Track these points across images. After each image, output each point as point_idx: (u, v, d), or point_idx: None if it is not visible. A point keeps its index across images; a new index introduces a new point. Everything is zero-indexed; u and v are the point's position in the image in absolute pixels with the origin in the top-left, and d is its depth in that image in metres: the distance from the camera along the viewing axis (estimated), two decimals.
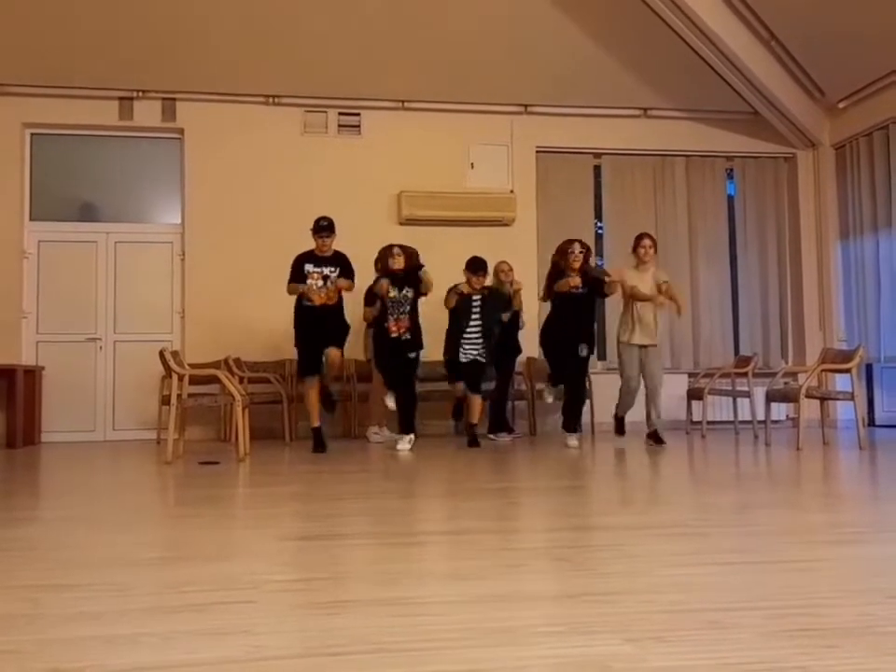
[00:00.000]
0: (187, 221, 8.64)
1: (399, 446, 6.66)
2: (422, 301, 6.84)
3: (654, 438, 6.78)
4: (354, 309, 7.11)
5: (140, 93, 8.52)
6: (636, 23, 8.28)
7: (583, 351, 6.75)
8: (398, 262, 6.69)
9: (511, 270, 7.79)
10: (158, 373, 7.57)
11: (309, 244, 6.76)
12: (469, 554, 2.59)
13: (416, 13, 8.09)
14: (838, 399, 7.70)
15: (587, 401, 7.88)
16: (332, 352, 6.66)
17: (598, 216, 9.50)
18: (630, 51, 8.66)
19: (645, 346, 6.79)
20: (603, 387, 8.40)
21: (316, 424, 6.73)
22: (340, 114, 8.91)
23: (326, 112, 8.89)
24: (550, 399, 7.13)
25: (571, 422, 6.84)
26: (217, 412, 8.29)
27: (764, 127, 9.37)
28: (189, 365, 7.00)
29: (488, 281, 7.58)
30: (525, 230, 9.06)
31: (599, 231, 9.54)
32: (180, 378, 6.07)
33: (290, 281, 6.72)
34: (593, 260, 7.32)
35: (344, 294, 6.76)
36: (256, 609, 1.97)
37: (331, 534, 3.01)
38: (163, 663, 1.60)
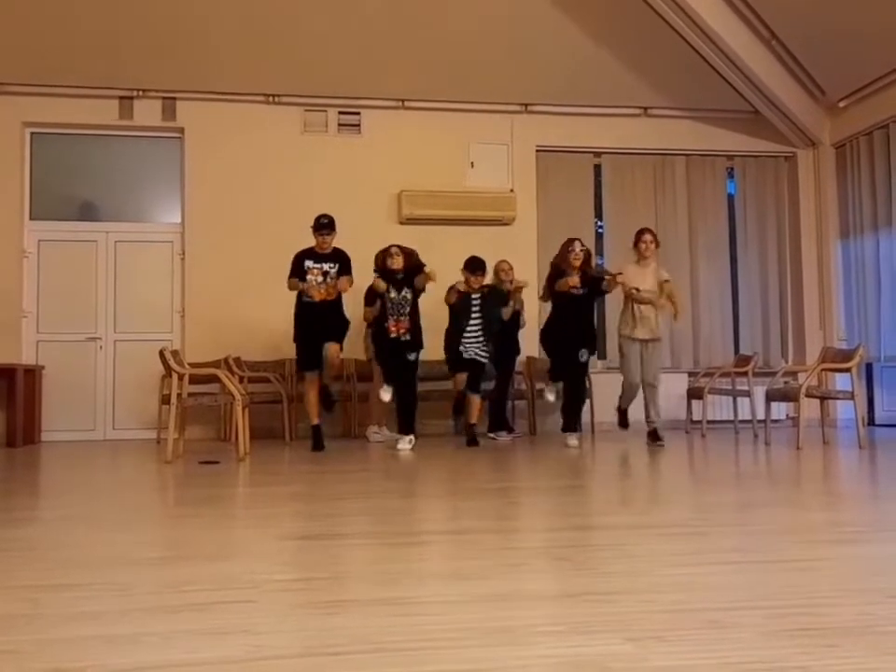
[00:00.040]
0: (187, 220, 8.64)
1: (399, 446, 6.65)
2: (422, 298, 6.84)
3: (653, 436, 6.78)
4: (354, 309, 7.10)
5: (140, 93, 8.52)
6: (636, 22, 8.27)
7: (584, 356, 6.74)
8: (396, 262, 6.70)
9: (511, 269, 7.79)
10: (158, 373, 7.57)
11: (309, 242, 6.76)
12: (470, 554, 2.59)
13: (416, 12, 8.08)
14: (838, 399, 7.69)
15: (587, 401, 7.89)
16: (331, 347, 6.66)
17: (598, 215, 9.50)
18: (630, 50, 8.66)
19: (647, 341, 6.78)
20: (603, 387, 8.39)
21: (316, 421, 6.76)
22: (340, 113, 8.90)
23: (326, 111, 8.89)
24: (551, 398, 7.10)
25: (571, 422, 6.84)
26: (217, 411, 8.28)
27: (765, 126, 9.36)
28: (189, 364, 7.00)
29: (488, 280, 7.59)
30: (526, 229, 9.06)
31: (599, 231, 9.54)
32: (180, 377, 6.07)
33: (291, 276, 6.73)
34: (593, 260, 7.31)
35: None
36: (256, 609, 1.97)
37: (331, 534, 3.01)
38: (164, 662, 1.60)
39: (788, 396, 7.18)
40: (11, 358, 8.04)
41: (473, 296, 7.14)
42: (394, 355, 6.75)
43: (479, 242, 8.39)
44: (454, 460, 5.88)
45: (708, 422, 8.10)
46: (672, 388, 8.73)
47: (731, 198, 9.77)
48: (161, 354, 6.13)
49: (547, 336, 6.97)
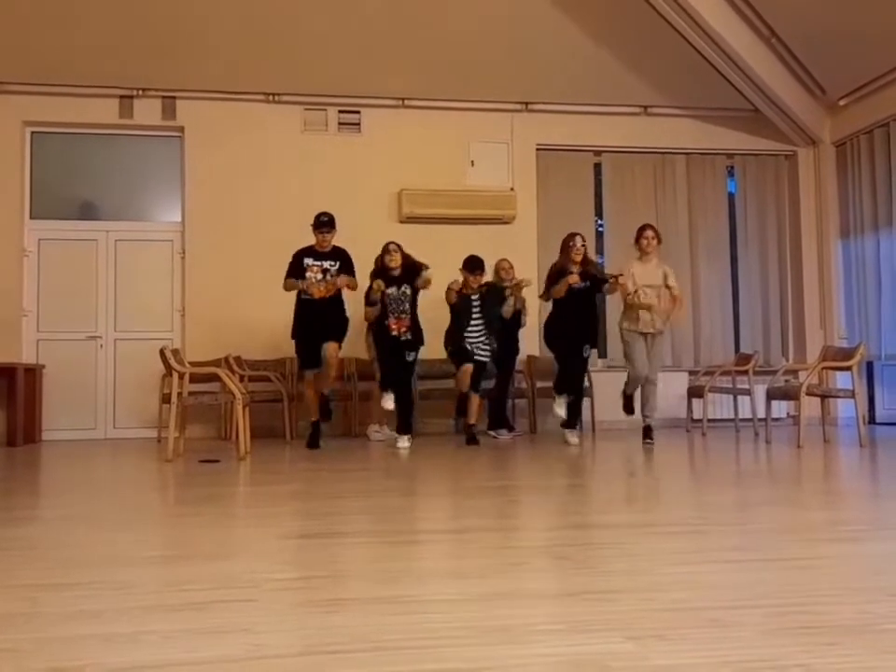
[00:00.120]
0: (187, 219, 8.64)
1: (399, 444, 6.67)
2: (422, 296, 6.85)
3: (645, 433, 6.77)
4: (355, 308, 7.08)
5: (140, 92, 8.51)
6: (636, 21, 8.27)
7: (587, 352, 6.77)
8: (395, 259, 6.70)
9: (511, 267, 7.78)
10: (158, 372, 7.57)
11: (309, 241, 6.76)
12: (470, 553, 2.59)
13: (416, 11, 8.08)
14: (839, 397, 7.69)
15: (587, 399, 7.89)
16: (330, 346, 6.66)
17: (599, 213, 9.50)
18: (630, 49, 8.65)
19: (650, 334, 6.78)
20: (604, 386, 8.38)
21: (315, 418, 6.79)
22: (340, 112, 8.90)
23: (326, 110, 8.88)
24: (561, 413, 6.87)
25: (571, 419, 6.83)
26: (217, 410, 8.28)
27: (765, 125, 9.36)
28: (190, 363, 6.99)
29: (489, 277, 7.59)
30: (526, 227, 9.05)
31: (600, 229, 9.53)
32: (181, 376, 6.07)
33: (287, 275, 6.73)
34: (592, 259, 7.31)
35: (345, 290, 6.76)
36: (256, 608, 1.96)
37: (331, 532, 3.00)
38: (163, 661, 1.60)
39: (788, 394, 7.18)
40: (12, 357, 8.04)
41: (473, 296, 7.15)
42: (394, 353, 6.75)
43: (479, 240, 8.39)
44: (454, 459, 5.88)
45: (709, 420, 8.10)
46: (672, 387, 8.73)
47: (731, 197, 9.77)
48: (162, 353, 6.13)
49: (549, 332, 6.95)
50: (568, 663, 1.56)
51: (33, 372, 8.02)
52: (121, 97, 8.52)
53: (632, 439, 7.20)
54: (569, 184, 9.31)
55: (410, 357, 6.77)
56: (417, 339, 6.80)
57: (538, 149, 9.20)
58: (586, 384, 7.47)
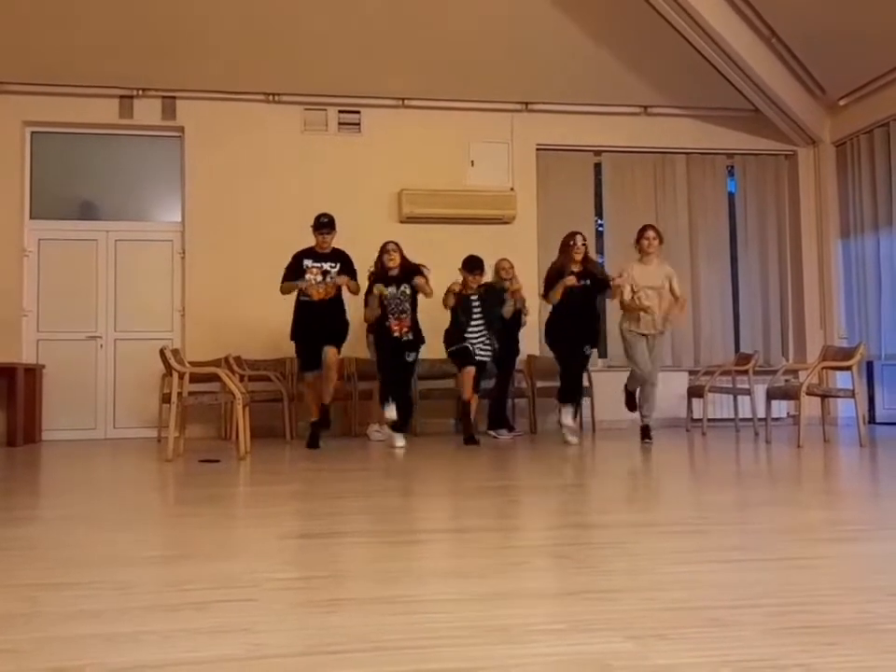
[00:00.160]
0: (187, 219, 8.64)
1: (396, 443, 6.60)
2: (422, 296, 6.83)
3: (644, 432, 6.76)
4: (356, 307, 7.08)
5: (140, 92, 8.51)
6: (636, 21, 8.27)
7: (587, 351, 6.74)
8: (393, 259, 6.64)
9: (511, 267, 7.78)
10: (158, 371, 7.57)
11: (309, 241, 6.76)
12: (470, 552, 2.59)
13: (416, 11, 8.07)
14: (839, 397, 7.69)
15: (587, 399, 7.89)
16: (330, 351, 6.63)
17: (599, 213, 9.50)
18: (630, 49, 8.65)
19: (651, 335, 6.77)
20: (603, 386, 8.39)
21: (315, 418, 6.77)
22: (340, 112, 8.90)
23: (326, 110, 8.88)
24: (569, 423, 6.78)
25: (567, 395, 6.72)
26: (217, 410, 8.28)
27: (765, 124, 9.36)
28: (190, 363, 7.00)
29: (489, 277, 7.59)
30: (526, 227, 9.05)
31: (600, 229, 9.53)
32: (181, 376, 6.07)
33: (284, 278, 6.70)
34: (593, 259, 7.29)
35: (345, 292, 6.75)
36: (256, 608, 1.96)
37: (332, 532, 3.00)
38: (164, 661, 1.60)
39: (788, 394, 7.18)
40: (12, 357, 8.04)
41: (472, 296, 7.13)
42: (396, 355, 6.69)
43: (479, 240, 8.39)
44: (454, 459, 5.88)
45: (709, 420, 8.10)
46: (672, 387, 8.73)
47: (731, 196, 9.77)
48: (162, 352, 6.13)
49: (550, 334, 6.90)
50: (569, 662, 1.56)
51: (33, 372, 8.02)
52: (121, 97, 8.52)
53: (632, 438, 7.19)
54: (569, 184, 9.31)
55: (410, 358, 6.73)
56: (418, 339, 6.76)
57: (538, 149, 9.20)
58: (586, 383, 7.47)
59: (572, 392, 6.81)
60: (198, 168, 8.61)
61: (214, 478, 4.82)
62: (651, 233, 6.82)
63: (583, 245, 6.67)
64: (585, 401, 7.79)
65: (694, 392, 8.35)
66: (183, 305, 8.59)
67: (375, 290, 6.56)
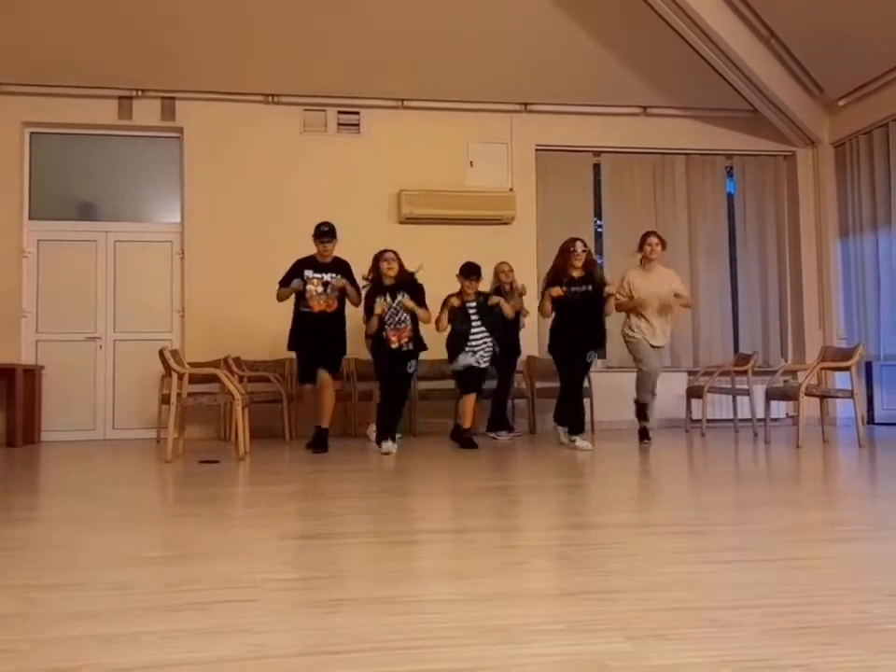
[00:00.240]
0: (186, 220, 8.64)
1: (384, 448, 6.29)
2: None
3: (642, 433, 6.75)
4: (355, 312, 7.01)
5: (139, 92, 8.51)
6: (635, 21, 8.27)
7: (590, 357, 6.60)
8: (393, 268, 6.45)
9: (511, 270, 7.77)
10: (158, 372, 7.57)
11: (308, 243, 6.74)
12: (469, 553, 2.59)
13: (416, 11, 8.07)
14: (838, 397, 7.69)
15: (586, 399, 7.88)
16: (325, 376, 6.57)
17: (598, 214, 9.50)
18: (630, 49, 8.65)
19: (654, 347, 6.77)
20: (603, 387, 8.40)
21: (325, 425, 6.60)
22: (339, 112, 8.90)
23: (325, 111, 8.88)
24: (566, 441, 6.60)
25: (577, 425, 6.55)
26: (216, 411, 8.28)
27: (764, 125, 9.36)
28: (189, 364, 7.00)
29: (488, 280, 7.57)
30: (525, 228, 9.05)
31: (599, 230, 9.53)
32: (180, 377, 6.07)
33: (281, 284, 6.63)
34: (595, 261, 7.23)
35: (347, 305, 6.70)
36: (256, 608, 1.97)
37: (331, 532, 3.01)
38: (163, 661, 1.60)
39: (787, 394, 7.18)
40: (11, 358, 8.04)
41: (468, 304, 7.04)
42: (395, 366, 6.47)
43: (478, 241, 8.40)
44: (453, 459, 5.88)
45: (708, 421, 8.11)
46: (672, 387, 8.73)
47: (730, 197, 9.78)
48: (161, 353, 6.12)
49: (552, 341, 6.65)
50: (568, 663, 1.56)
51: (32, 373, 8.02)
52: (120, 98, 8.52)
53: (631, 439, 7.19)
54: (569, 184, 9.32)
55: (410, 369, 6.57)
56: (418, 347, 6.57)
57: (537, 150, 9.21)
58: (585, 384, 7.44)
59: (578, 418, 6.58)
60: (197, 169, 8.61)
61: (213, 478, 4.82)
62: (653, 239, 6.79)
63: (584, 251, 6.50)
64: (585, 401, 7.77)
65: (693, 392, 8.36)
66: (182, 306, 8.59)
67: (377, 309, 6.34)
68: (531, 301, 8.02)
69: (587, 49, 8.55)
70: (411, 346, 6.47)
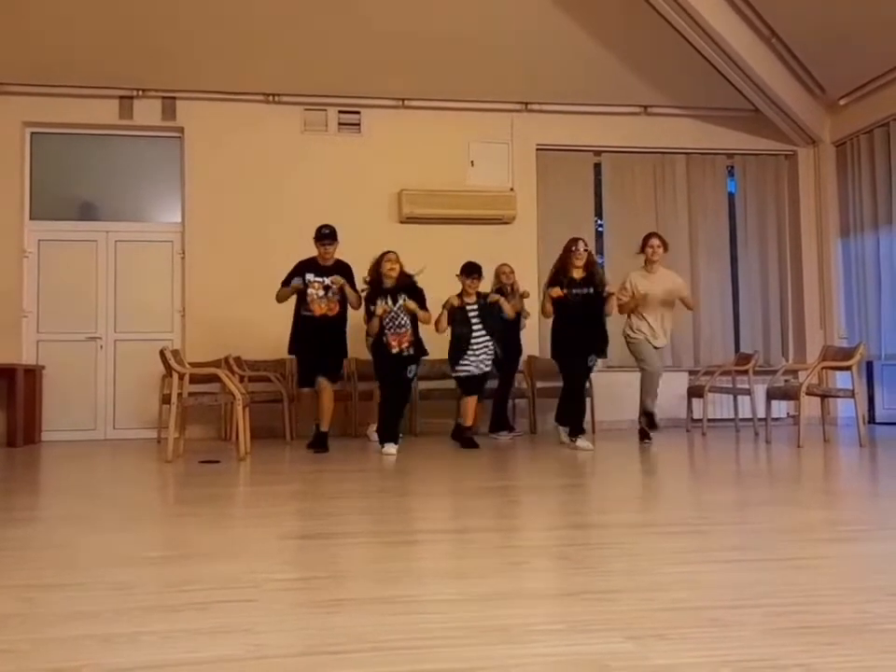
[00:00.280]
0: (187, 220, 8.64)
1: (385, 450, 6.25)
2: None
3: (643, 432, 6.74)
4: (356, 312, 6.99)
5: (140, 92, 8.51)
6: (636, 21, 8.27)
7: (592, 361, 6.58)
8: (395, 269, 6.42)
9: (512, 272, 7.77)
10: (158, 372, 7.57)
11: (309, 243, 6.74)
12: (469, 553, 2.59)
13: (416, 11, 8.07)
14: (839, 397, 7.69)
15: (587, 399, 7.87)
16: (324, 385, 6.57)
17: (599, 213, 9.50)
18: (630, 49, 8.65)
19: (657, 347, 6.78)
20: (603, 387, 8.40)
21: (325, 428, 6.60)
22: (340, 112, 8.90)
23: (326, 110, 8.88)
24: (567, 441, 6.58)
25: (578, 426, 6.54)
26: (217, 410, 8.28)
27: (765, 124, 9.36)
28: (190, 364, 7.00)
29: (489, 282, 7.56)
30: (526, 227, 9.05)
31: (600, 229, 9.53)
32: (181, 377, 6.07)
33: (282, 285, 6.63)
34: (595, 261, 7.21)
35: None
36: (256, 608, 1.97)
37: (332, 532, 3.01)
38: (163, 661, 1.60)
39: (788, 394, 7.18)
40: (11, 358, 8.04)
41: (469, 307, 7.03)
42: (395, 371, 6.43)
43: (479, 241, 8.39)
44: (453, 459, 5.87)
45: (709, 420, 8.10)
46: (672, 387, 8.72)
47: (731, 196, 9.77)
48: (162, 353, 6.12)
49: (554, 342, 6.64)
50: (568, 663, 1.56)
51: (33, 373, 8.02)
52: (121, 98, 8.52)
53: (631, 439, 7.19)
54: (569, 184, 9.31)
55: (411, 374, 6.52)
56: (419, 352, 6.52)
57: (537, 149, 9.20)
58: (587, 385, 7.43)
59: (581, 416, 6.57)
60: (198, 169, 8.61)
61: (214, 478, 4.82)
62: (655, 241, 6.78)
63: (585, 251, 6.50)
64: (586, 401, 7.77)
65: (694, 392, 8.35)
66: (183, 306, 8.59)
67: (379, 310, 6.32)
68: (533, 303, 8.03)
69: (588, 48, 8.54)
70: (411, 351, 6.44)
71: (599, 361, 7.35)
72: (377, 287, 6.47)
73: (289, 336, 6.76)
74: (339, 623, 1.83)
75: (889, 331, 8.54)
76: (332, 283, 6.52)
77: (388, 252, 6.55)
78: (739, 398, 8.34)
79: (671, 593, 2.04)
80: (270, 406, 7.87)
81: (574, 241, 6.59)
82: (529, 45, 8.47)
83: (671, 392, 8.68)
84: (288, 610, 1.96)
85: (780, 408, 9.07)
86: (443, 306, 6.99)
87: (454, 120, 8.97)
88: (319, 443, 6.55)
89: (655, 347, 6.77)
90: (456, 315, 7.00)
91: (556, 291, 6.41)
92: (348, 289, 6.55)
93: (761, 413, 7.67)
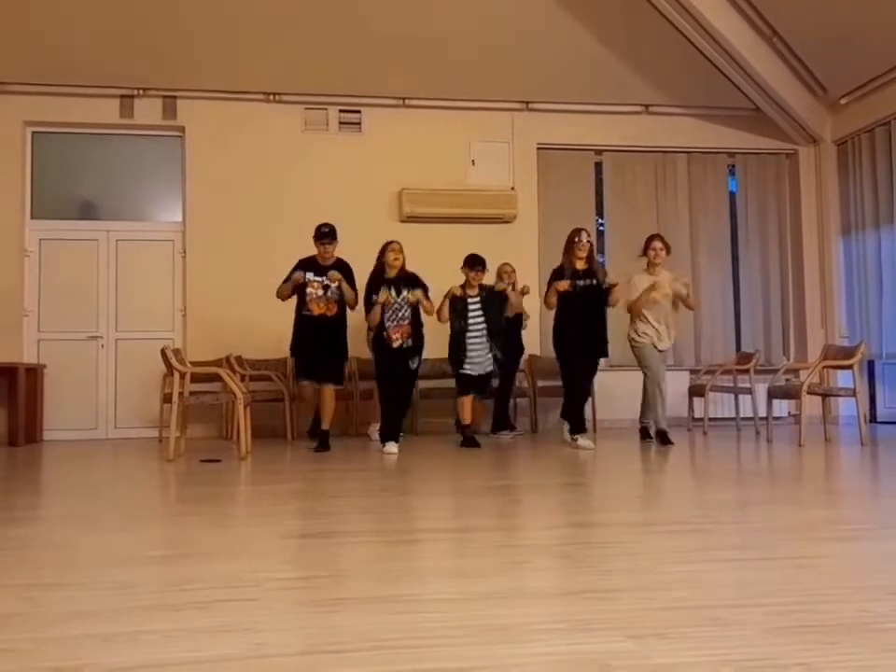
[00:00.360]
0: (188, 219, 8.64)
1: (387, 450, 6.27)
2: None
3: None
4: (356, 311, 7.00)
5: (141, 91, 8.52)
6: (637, 20, 8.26)
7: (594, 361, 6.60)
8: (399, 258, 6.42)
9: (513, 271, 7.78)
10: (159, 371, 7.58)
11: (309, 242, 6.74)
12: (471, 552, 2.59)
13: (416, 11, 8.07)
14: (840, 396, 7.69)
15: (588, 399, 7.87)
16: (327, 393, 6.58)
17: (600, 212, 9.49)
18: (631, 48, 8.65)
19: (661, 351, 6.76)
20: (604, 386, 8.39)
21: (326, 426, 6.62)
22: (340, 111, 8.90)
23: (326, 109, 8.88)
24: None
25: (578, 424, 6.53)
26: (218, 410, 8.29)
27: (766, 123, 9.35)
28: (191, 363, 7.00)
29: (490, 281, 7.55)
30: (527, 227, 9.05)
31: (601, 228, 9.53)
32: (182, 376, 6.07)
33: (283, 282, 6.65)
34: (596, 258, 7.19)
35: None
36: (257, 607, 1.97)
37: (332, 531, 3.01)
38: (164, 661, 1.60)
39: (789, 393, 7.17)
40: (13, 357, 8.05)
41: (471, 299, 7.04)
42: (396, 365, 6.39)
43: (480, 240, 8.38)
44: (454, 458, 5.87)
45: (710, 419, 8.11)
46: (674, 386, 8.70)
47: (732, 195, 9.77)
48: (163, 352, 6.13)
49: (556, 338, 6.62)
50: (569, 662, 1.56)
51: (34, 372, 8.03)
52: (122, 97, 8.52)
53: (632, 438, 7.19)
54: (570, 183, 9.31)
55: (414, 364, 6.48)
56: (418, 342, 6.50)
57: (538, 148, 9.20)
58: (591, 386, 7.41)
59: (578, 417, 6.55)
60: (198, 168, 8.61)
61: (215, 477, 4.82)
62: (657, 244, 6.76)
63: (588, 241, 6.48)
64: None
65: (696, 391, 8.35)
66: (184, 305, 8.59)
67: (381, 297, 6.30)
68: (533, 302, 8.03)
69: (589, 47, 8.54)
70: (410, 343, 6.43)
71: (602, 361, 7.36)
72: (379, 277, 6.45)
73: (292, 337, 6.76)
74: (340, 622, 1.83)
75: (889, 330, 8.54)
76: (329, 279, 6.52)
77: (392, 242, 6.53)
78: (740, 397, 8.34)
79: (672, 592, 2.04)
80: (271, 405, 7.88)
81: (577, 231, 6.55)
82: (530, 44, 8.46)
83: (672, 391, 8.64)
84: (289, 609, 1.96)
85: (781, 407, 9.07)
86: (445, 295, 7.01)
87: (454, 119, 8.97)
88: (320, 443, 6.56)
89: (660, 350, 6.75)
90: (457, 306, 7.00)
91: (563, 284, 6.39)
92: (345, 286, 6.54)
93: (762, 412, 7.66)
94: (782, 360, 9.31)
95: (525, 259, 8.52)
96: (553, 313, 6.70)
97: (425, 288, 6.51)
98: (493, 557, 2.49)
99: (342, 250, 6.76)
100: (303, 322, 6.63)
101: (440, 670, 1.54)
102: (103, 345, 8.55)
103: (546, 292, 6.63)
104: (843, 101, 8.97)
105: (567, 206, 9.20)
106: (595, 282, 6.45)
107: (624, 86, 8.95)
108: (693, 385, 8.53)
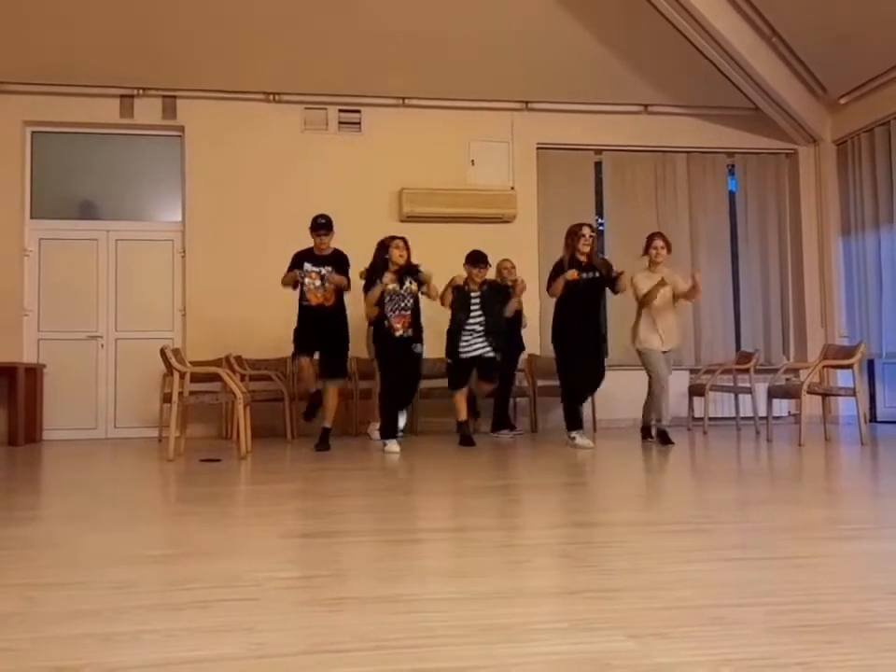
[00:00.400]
0: (187, 219, 8.64)
1: (388, 448, 6.27)
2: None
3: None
4: (356, 310, 7.00)
5: (141, 91, 8.51)
6: (637, 20, 8.26)
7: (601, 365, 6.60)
8: (403, 257, 6.36)
9: (513, 267, 7.79)
10: (159, 371, 7.58)
11: (309, 241, 6.74)
12: (471, 551, 2.59)
13: (415, 11, 8.07)
14: (840, 396, 7.68)
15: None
16: (331, 392, 6.61)
17: (599, 212, 9.49)
18: (631, 47, 8.65)
19: (665, 352, 6.75)
20: (603, 385, 8.35)
21: (328, 424, 6.64)
22: (340, 111, 8.90)
23: (326, 109, 8.88)
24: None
25: (575, 419, 6.51)
26: (218, 409, 8.29)
27: (766, 123, 9.35)
28: (191, 363, 7.00)
29: (492, 276, 7.56)
30: (526, 226, 9.05)
31: (600, 228, 9.53)
32: (181, 376, 6.07)
33: (287, 272, 6.68)
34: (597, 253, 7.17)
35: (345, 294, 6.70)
36: (258, 607, 1.97)
37: (333, 531, 3.01)
38: (165, 660, 1.60)
39: (789, 393, 7.17)
40: (12, 357, 8.05)
41: (472, 292, 7.08)
42: (399, 354, 6.36)
43: (480, 239, 8.35)
44: (454, 458, 5.88)
45: (710, 419, 8.11)
46: (674, 385, 8.67)
47: (732, 195, 9.77)
48: (163, 352, 6.13)
49: (555, 332, 6.61)
50: (569, 661, 1.56)
51: (34, 372, 8.03)
52: (122, 97, 8.52)
53: (632, 437, 7.19)
54: (570, 182, 9.31)
55: (417, 349, 6.44)
56: (418, 331, 6.47)
57: (538, 148, 9.20)
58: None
59: (573, 413, 6.54)
60: (198, 167, 8.61)
61: (215, 477, 4.82)
62: (658, 242, 6.75)
63: (591, 236, 6.44)
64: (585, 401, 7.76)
65: (695, 391, 8.35)
66: (184, 305, 8.59)
67: (386, 278, 6.23)
68: (533, 302, 8.03)
69: (588, 47, 8.54)
70: (410, 332, 6.42)
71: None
72: (382, 267, 6.35)
73: (294, 330, 6.77)
74: (340, 622, 1.83)
75: (889, 330, 8.54)
76: (325, 273, 6.55)
77: (397, 238, 6.46)
78: (740, 396, 8.34)
79: (673, 591, 2.04)
80: (271, 405, 7.87)
81: (579, 225, 6.51)
82: (529, 44, 8.46)
83: (672, 391, 8.62)
84: (290, 609, 1.96)
85: (781, 406, 9.07)
86: (448, 284, 7.05)
87: (454, 119, 8.97)
88: (321, 441, 6.58)
89: (665, 352, 6.75)
90: (458, 297, 7.03)
91: (573, 274, 6.34)
92: (335, 276, 6.54)
93: (762, 412, 7.67)
94: (782, 360, 9.31)
95: (524, 259, 8.52)
96: (552, 312, 6.69)
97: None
98: (493, 557, 2.49)
99: (340, 248, 6.77)
100: (303, 312, 6.68)
101: (440, 670, 1.54)
102: (102, 345, 8.55)
103: (549, 282, 6.55)
104: (842, 101, 8.97)
105: (566, 206, 9.20)
106: (597, 275, 6.46)
107: (624, 86, 8.96)
108: (693, 385, 8.53)
